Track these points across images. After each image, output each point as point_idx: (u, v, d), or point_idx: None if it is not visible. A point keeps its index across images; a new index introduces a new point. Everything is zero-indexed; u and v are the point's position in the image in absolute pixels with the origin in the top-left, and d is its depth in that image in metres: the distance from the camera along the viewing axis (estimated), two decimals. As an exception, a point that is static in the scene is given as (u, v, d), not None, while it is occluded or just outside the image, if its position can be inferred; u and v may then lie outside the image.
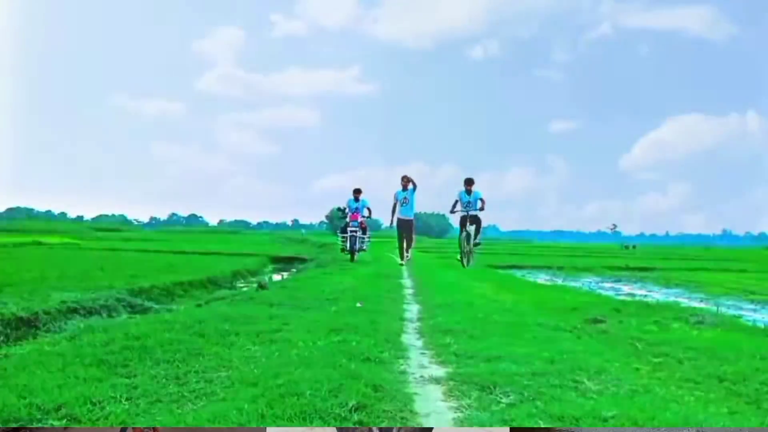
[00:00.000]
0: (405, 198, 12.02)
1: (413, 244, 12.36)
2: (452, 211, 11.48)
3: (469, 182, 11.50)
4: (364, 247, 13.49)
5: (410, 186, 12.00)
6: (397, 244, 12.45)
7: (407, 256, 12.14)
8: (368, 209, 13.44)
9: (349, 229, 13.15)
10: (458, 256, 11.96)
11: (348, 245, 13.10)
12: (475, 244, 11.54)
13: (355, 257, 13.12)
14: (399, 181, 12.10)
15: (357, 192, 13.55)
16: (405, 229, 12.08)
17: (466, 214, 11.49)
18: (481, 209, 11.47)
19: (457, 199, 11.46)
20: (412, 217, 12.13)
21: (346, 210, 13.35)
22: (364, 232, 13.31)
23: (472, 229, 11.51)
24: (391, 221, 12.09)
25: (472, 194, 11.47)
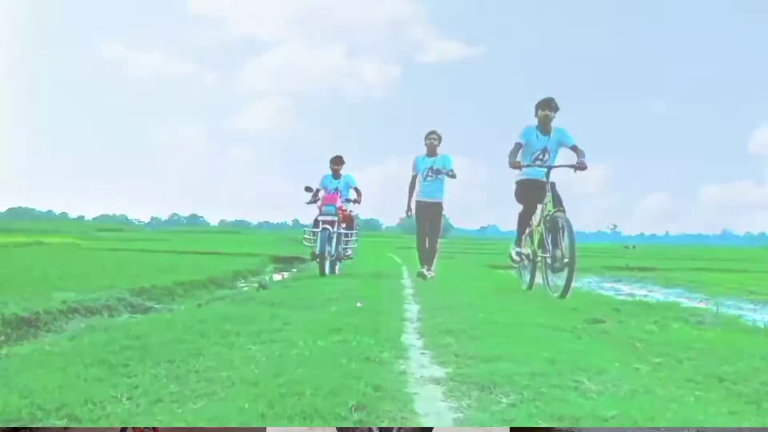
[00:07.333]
0: (431, 169, 7.37)
1: (438, 249, 7.78)
2: (513, 165, 5.68)
3: (547, 105, 5.68)
4: (349, 252, 8.37)
5: (439, 150, 7.42)
6: (416, 243, 7.82)
7: (432, 269, 7.62)
8: (356, 190, 8.27)
9: (319, 218, 7.78)
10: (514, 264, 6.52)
11: (317, 247, 7.68)
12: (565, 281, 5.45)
13: (328, 269, 7.75)
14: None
15: (336, 162, 8.24)
16: (428, 218, 7.54)
17: (543, 178, 5.66)
18: (581, 167, 5.50)
19: (522, 141, 5.72)
20: (441, 200, 7.54)
21: (320, 192, 8.15)
22: (349, 228, 8.18)
23: (561, 218, 5.44)
24: (408, 206, 7.57)
25: (552, 133, 5.74)
